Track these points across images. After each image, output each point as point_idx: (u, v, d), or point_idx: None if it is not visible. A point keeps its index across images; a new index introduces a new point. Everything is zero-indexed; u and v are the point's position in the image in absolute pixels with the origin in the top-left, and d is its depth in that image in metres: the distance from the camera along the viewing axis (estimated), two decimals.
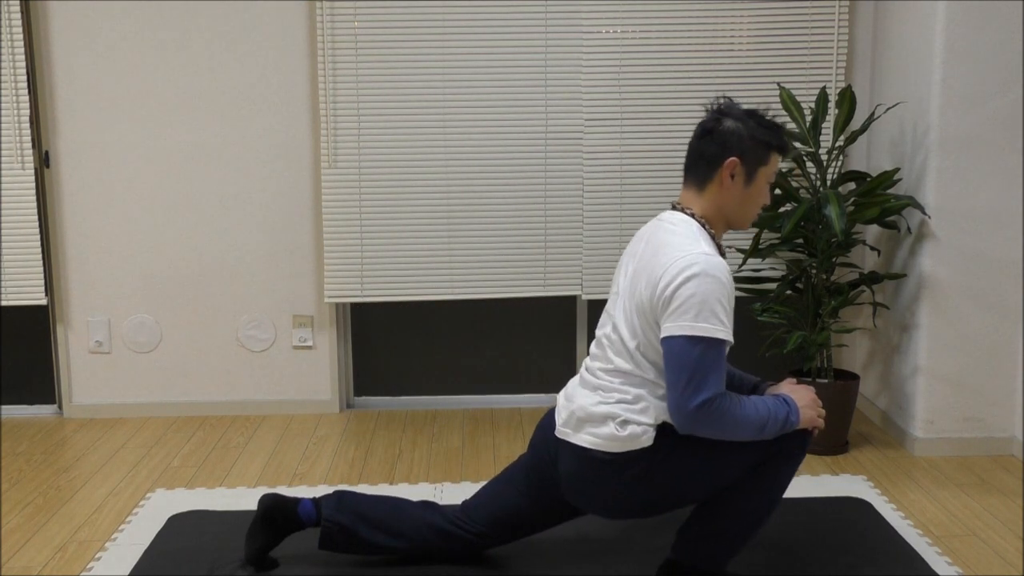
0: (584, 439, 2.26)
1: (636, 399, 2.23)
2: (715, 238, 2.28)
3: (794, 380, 2.36)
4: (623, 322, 2.26)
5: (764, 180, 2.29)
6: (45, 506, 3.04)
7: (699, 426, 2.14)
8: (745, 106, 2.31)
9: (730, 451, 2.23)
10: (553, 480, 2.39)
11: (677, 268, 2.13)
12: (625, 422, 2.22)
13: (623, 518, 2.37)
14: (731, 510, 2.29)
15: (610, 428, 2.23)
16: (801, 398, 2.25)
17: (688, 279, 2.11)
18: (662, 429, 2.23)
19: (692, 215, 2.27)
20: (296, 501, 2.50)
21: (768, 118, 2.29)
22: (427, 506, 2.56)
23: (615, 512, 2.35)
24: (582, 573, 2.53)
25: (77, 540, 2.79)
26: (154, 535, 2.79)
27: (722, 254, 2.27)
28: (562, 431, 2.32)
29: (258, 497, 3.04)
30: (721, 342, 2.12)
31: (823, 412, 2.29)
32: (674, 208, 2.31)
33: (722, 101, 2.31)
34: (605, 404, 2.25)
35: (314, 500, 2.51)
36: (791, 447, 2.26)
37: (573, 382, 2.42)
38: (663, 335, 2.14)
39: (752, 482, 2.27)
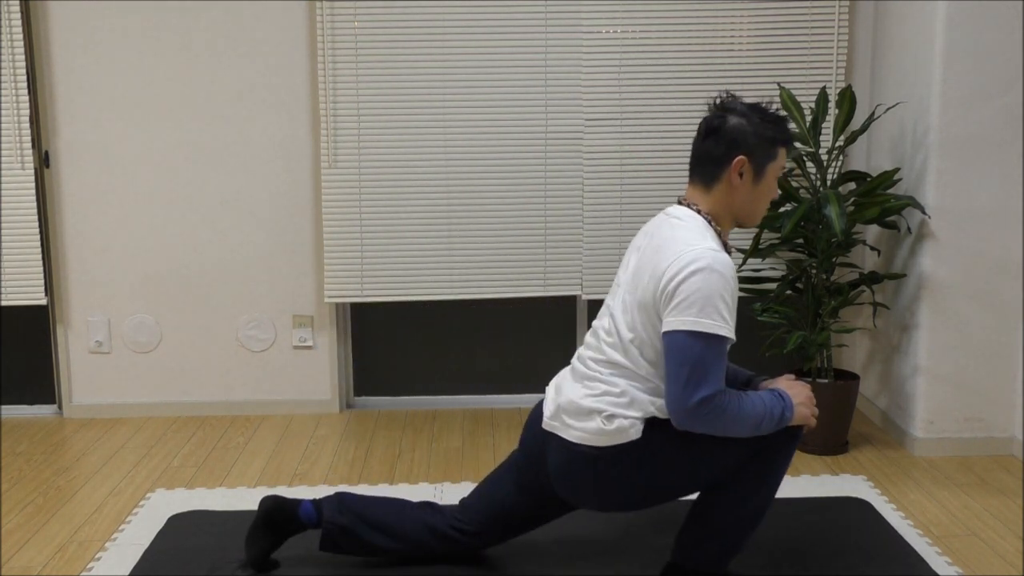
0: (571, 433, 2.26)
1: (623, 393, 2.22)
2: (721, 235, 2.27)
3: (792, 376, 2.34)
4: (621, 315, 2.26)
5: (773, 176, 2.27)
6: (45, 506, 3.04)
7: (697, 423, 2.13)
8: (746, 100, 2.30)
9: (719, 445, 2.22)
10: (543, 475, 2.39)
11: (682, 263, 2.12)
12: (611, 416, 2.21)
13: (614, 510, 2.37)
14: (727, 512, 2.29)
15: (596, 422, 2.22)
16: (797, 395, 2.24)
17: (693, 273, 2.10)
18: (650, 423, 2.22)
19: (698, 211, 2.26)
20: (297, 503, 2.49)
21: (772, 111, 2.27)
22: (427, 507, 2.55)
23: (605, 505, 2.34)
24: (582, 573, 2.54)
25: (77, 540, 2.79)
26: (154, 535, 2.79)
27: (728, 252, 2.25)
28: (550, 424, 2.32)
29: (258, 498, 3.05)
30: (723, 339, 2.11)
31: (816, 411, 2.28)
32: (680, 203, 2.30)
33: (725, 97, 2.29)
34: (592, 397, 2.24)
35: (314, 501, 2.50)
36: (781, 444, 2.26)
37: (564, 372, 2.42)
38: (665, 329, 2.13)
39: (745, 482, 2.27)
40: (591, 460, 2.24)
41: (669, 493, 2.31)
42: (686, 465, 2.24)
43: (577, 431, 2.25)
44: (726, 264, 2.13)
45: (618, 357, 2.24)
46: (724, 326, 2.11)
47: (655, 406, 2.22)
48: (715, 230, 2.25)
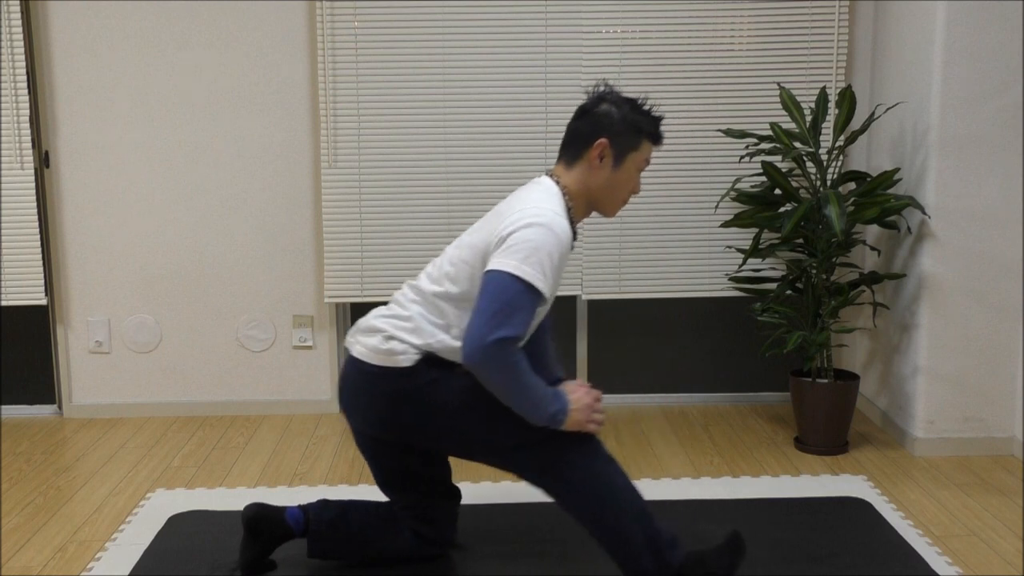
0: (356, 348, 2.34)
1: (410, 319, 2.28)
2: (571, 212, 2.33)
3: (585, 384, 2.32)
4: (452, 251, 2.33)
5: (633, 166, 2.34)
6: (45, 506, 3.04)
7: (487, 363, 2.12)
8: (628, 95, 2.37)
9: (490, 412, 2.23)
10: (359, 421, 2.40)
11: (524, 215, 2.19)
12: (390, 337, 2.28)
13: (384, 435, 2.37)
14: (608, 533, 2.26)
15: (376, 340, 2.30)
16: (577, 400, 2.24)
17: (529, 225, 2.17)
18: (428, 360, 2.27)
19: (557, 182, 2.33)
20: (282, 509, 2.49)
21: (646, 108, 2.34)
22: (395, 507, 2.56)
23: (373, 426, 2.35)
24: (582, 573, 2.54)
25: (77, 540, 2.79)
26: (154, 535, 2.79)
27: (574, 232, 2.33)
28: (348, 341, 2.41)
29: (259, 498, 3.04)
30: (538, 292, 2.15)
31: (599, 419, 2.26)
32: (547, 175, 2.37)
33: (603, 87, 2.37)
34: (383, 317, 2.33)
35: (300, 506, 2.51)
36: (569, 445, 2.24)
37: None
38: (487, 267, 2.18)
39: (586, 503, 2.24)
40: (361, 375, 2.31)
41: (432, 439, 2.32)
42: (448, 415, 2.27)
43: (360, 346, 2.33)
44: (564, 229, 2.20)
45: (427, 286, 2.31)
46: (543, 280, 2.15)
47: (436, 340, 2.26)
48: (567, 205, 2.32)
